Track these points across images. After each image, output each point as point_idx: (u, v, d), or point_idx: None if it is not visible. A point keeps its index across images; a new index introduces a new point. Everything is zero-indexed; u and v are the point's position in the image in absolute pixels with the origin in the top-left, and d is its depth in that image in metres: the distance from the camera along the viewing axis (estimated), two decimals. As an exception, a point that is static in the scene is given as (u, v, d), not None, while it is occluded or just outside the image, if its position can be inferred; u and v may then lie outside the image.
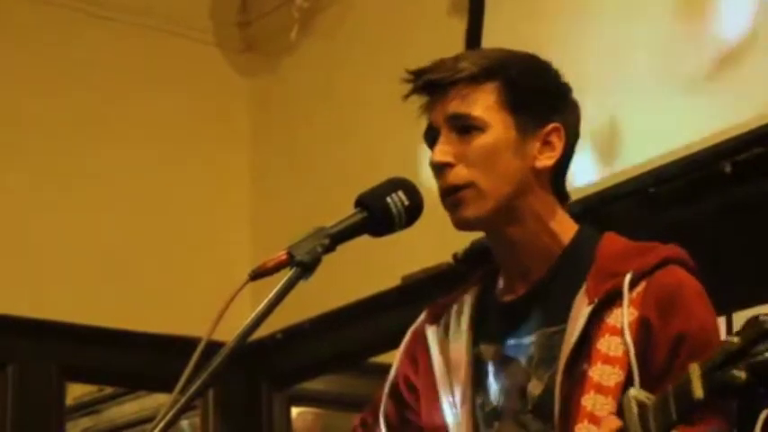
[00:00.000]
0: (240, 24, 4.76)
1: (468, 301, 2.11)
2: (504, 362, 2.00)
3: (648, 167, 3.10)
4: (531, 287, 2.02)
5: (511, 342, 2.01)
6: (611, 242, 2.01)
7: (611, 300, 1.91)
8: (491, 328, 2.05)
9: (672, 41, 3.18)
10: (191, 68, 4.62)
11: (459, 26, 3.73)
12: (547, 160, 2.03)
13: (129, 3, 4.52)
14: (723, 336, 1.92)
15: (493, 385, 2.01)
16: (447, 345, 2.08)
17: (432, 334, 2.11)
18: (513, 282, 2.05)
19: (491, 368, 2.02)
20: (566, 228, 2.04)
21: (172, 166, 4.52)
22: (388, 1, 4.23)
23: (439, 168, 2.01)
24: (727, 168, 2.93)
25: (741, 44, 3.01)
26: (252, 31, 4.75)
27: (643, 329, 1.87)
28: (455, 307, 2.12)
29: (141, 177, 4.44)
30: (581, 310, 1.91)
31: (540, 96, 2.05)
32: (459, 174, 1.99)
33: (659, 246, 1.97)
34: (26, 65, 4.33)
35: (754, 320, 1.48)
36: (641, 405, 1.64)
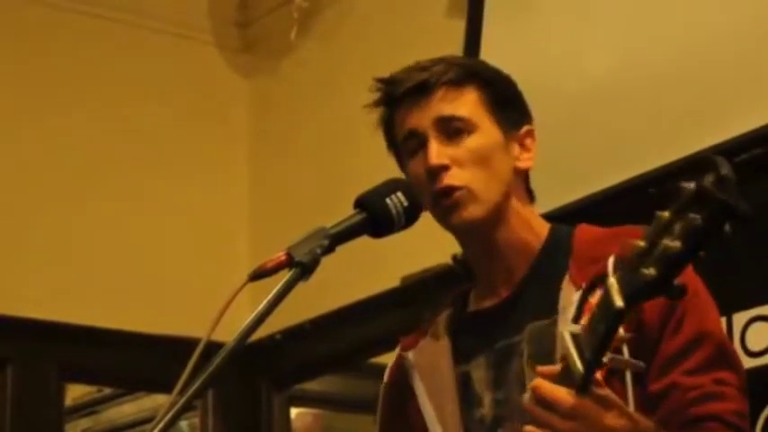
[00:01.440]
0: (239, 24, 4.76)
1: (442, 322, 2.10)
2: (496, 367, 1.99)
3: (648, 168, 3.10)
4: (515, 287, 2.03)
5: (499, 346, 2.00)
6: (586, 230, 2.03)
7: (594, 283, 1.90)
8: (475, 340, 2.03)
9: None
10: (189, 68, 4.61)
11: (458, 27, 3.73)
12: (526, 162, 2.07)
13: (126, 2, 4.52)
14: (713, 301, 1.94)
15: (487, 395, 2.00)
16: (427, 370, 2.07)
17: (411, 363, 2.09)
18: (494, 288, 2.05)
19: (482, 379, 2.00)
20: (541, 225, 2.07)
21: (171, 166, 4.52)
22: (388, 2, 4.23)
23: (434, 172, 2.00)
24: (727, 169, 2.93)
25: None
26: (251, 31, 4.75)
27: None
28: (429, 332, 2.11)
29: (140, 178, 4.44)
30: (570, 298, 1.90)
31: (512, 99, 2.08)
32: (455, 176, 1.99)
33: (634, 228, 1.95)
34: (22, 64, 4.32)
35: (653, 218, 1.48)
36: (575, 336, 1.63)
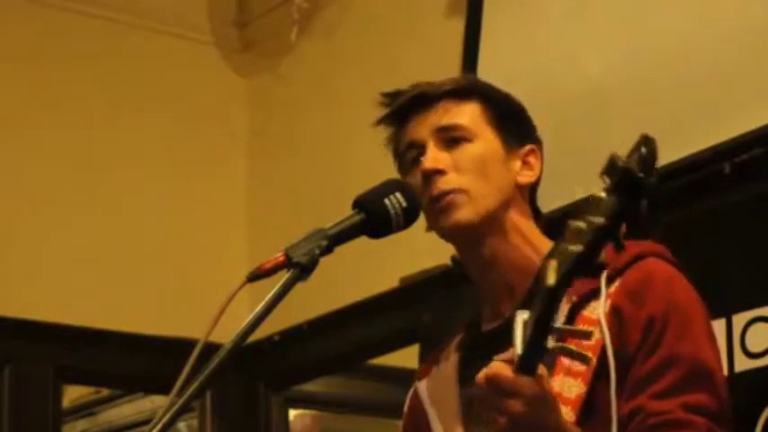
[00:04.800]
0: (238, 24, 4.76)
1: (453, 347, 2.11)
2: None
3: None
4: (517, 306, 2.02)
5: None
6: None
7: (588, 298, 1.91)
8: (480, 362, 2.03)
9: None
10: (189, 68, 4.61)
11: (458, 27, 3.73)
12: (528, 178, 2.07)
13: (126, 2, 4.51)
14: (704, 313, 1.92)
15: (485, 413, 2.00)
16: (437, 395, 2.08)
17: (423, 390, 2.11)
18: (498, 305, 2.05)
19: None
20: (543, 242, 2.05)
21: (169, 166, 4.52)
22: (388, 2, 4.22)
23: (430, 176, 2.00)
24: (727, 169, 2.93)
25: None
26: (250, 30, 4.75)
27: (616, 317, 1.87)
28: (442, 357, 2.12)
29: (138, 178, 4.44)
30: (563, 311, 1.89)
31: (516, 117, 2.09)
32: (451, 180, 2.00)
33: (631, 244, 1.94)
34: (20, 64, 4.32)
35: (589, 198, 1.56)
36: (525, 322, 1.64)
